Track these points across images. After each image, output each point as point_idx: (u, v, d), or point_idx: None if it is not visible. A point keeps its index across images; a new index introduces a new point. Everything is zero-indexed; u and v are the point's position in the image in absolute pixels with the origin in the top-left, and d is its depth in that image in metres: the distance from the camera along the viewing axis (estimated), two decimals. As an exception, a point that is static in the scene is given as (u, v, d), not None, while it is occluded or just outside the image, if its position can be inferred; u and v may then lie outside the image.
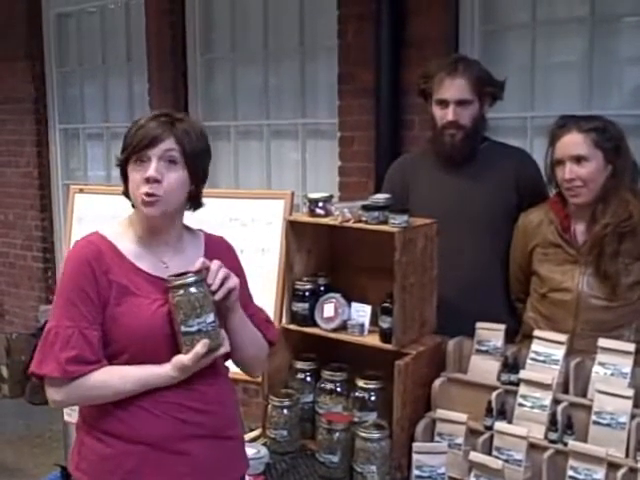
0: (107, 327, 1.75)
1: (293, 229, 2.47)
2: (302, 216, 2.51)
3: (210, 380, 1.83)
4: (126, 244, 1.83)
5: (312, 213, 2.44)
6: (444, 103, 2.63)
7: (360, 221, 2.32)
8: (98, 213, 3.14)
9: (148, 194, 1.75)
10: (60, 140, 6.09)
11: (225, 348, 1.78)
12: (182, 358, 1.73)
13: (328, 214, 2.42)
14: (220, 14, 5.08)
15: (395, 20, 3.87)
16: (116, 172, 5.69)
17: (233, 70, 5.05)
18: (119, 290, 1.76)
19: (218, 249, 1.95)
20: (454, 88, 2.62)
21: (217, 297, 1.76)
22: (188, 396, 1.79)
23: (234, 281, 1.79)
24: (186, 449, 1.78)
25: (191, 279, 1.72)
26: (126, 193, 1.84)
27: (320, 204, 2.42)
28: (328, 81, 4.43)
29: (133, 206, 1.85)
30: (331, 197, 2.47)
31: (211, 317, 1.74)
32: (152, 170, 1.74)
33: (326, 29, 4.38)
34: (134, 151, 1.76)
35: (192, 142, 1.81)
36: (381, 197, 2.34)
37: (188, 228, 1.96)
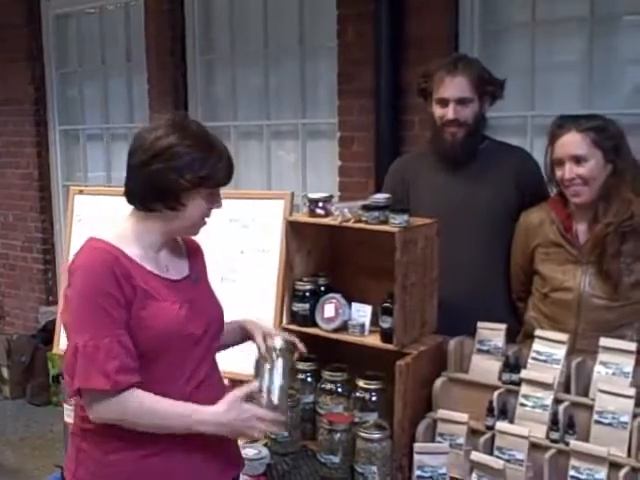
0: (132, 331, 1.75)
1: (293, 229, 2.46)
2: (302, 216, 2.51)
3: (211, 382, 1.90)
4: (132, 249, 1.82)
5: (312, 213, 2.44)
6: (444, 102, 2.63)
7: (360, 221, 2.32)
8: (98, 214, 3.14)
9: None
10: (60, 141, 6.09)
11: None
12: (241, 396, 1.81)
13: (328, 214, 2.41)
14: (219, 15, 5.08)
15: (394, 20, 3.87)
16: (116, 173, 5.70)
17: (233, 71, 5.04)
18: (142, 294, 1.77)
19: (193, 249, 2.03)
20: (454, 86, 2.61)
21: None
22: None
23: None
24: (187, 454, 1.81)
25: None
26: (160, 205, 1.82)
27: (320, 204, 2.42)
28: (328, 81, 4.43)
29: (147, 211, 1.84)
30: (331, 197, 2.47)
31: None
32: (220, 202, 1.90)
33: (325, 29, 4.38)
34: (216, 186, 1.86)
35: None
36: (381, 197, 2.34)
37: None
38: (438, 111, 2.66)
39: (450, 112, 2.61)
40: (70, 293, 1.77)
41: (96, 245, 1.79)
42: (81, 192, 3.32)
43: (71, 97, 6.05)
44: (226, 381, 2.12)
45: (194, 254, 2.02)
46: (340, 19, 4.20)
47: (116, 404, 1.73)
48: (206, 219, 1.89)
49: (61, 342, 2.92)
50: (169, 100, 5.12)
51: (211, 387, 1.89)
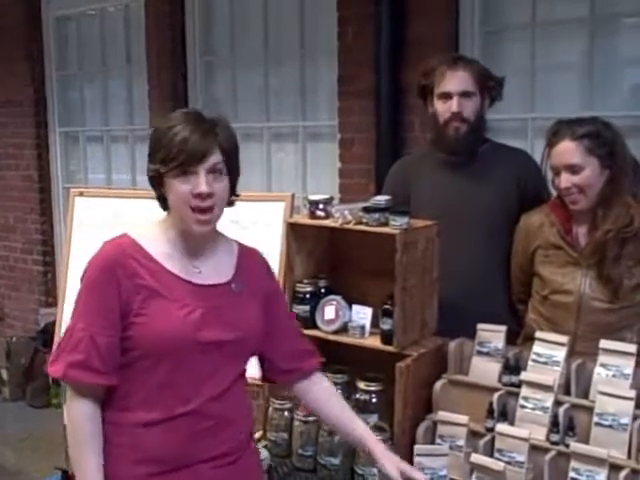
0: (132, 332, 1.72)
1: (293, 231, 2.46)
2: (302, 218, 2.50)
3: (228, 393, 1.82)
4: (156, 246, 1.78)
5: (312, 215, 2.44)
6: (447, 96, 2.63)
7: (361, 223, 2.32)
8: (98, 216, 3.14)
9: (202, 210, 1.72)
10: (60, 143, 6.09)
11: None
12: None
13: (328, 216, 2.41)
14: (220, 16, 5.08)
15: (395, 21, 3.87)
16: (116, 175, 5.70)
17: (233, 72, 5.05)
18: (147, 294, 1.72)
19: (252, 261, 1.93)
20: (457, 80, 2.62)
21: None
22: (202, 415, 1.76)
23: None
24: (197, 471, 1.77)
25: None
26: (161, 198, 1.80)
27: (320, 206, 2.42)
28: (328, 83, 4.42)
29: (164, 209, 1.82)
30: (331, 199, 2.47)
31: None
32: (204, 186, 1.70)
33: (326, 31, 4.38)
34: (184, 165, 1.69)
35: (233, 148, 1.79)
36: (382, 199, 2.34)
37: (220, 233, 1.92)
38: (441, 106, 2.66)
39: (454, 105, 2.61)
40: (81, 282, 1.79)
41: (116, 241, 1.78)
42: (81, 194, 3.32)
43: (71, 99, 6.05)
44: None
45: (249, 265, 1.91)
46: (340, 21, 4.21)
47: (68, 401, 1.75)
48: (193, 203, 1.71)
49: (61, 344, 2.92)
50: (169, 102, 5.11)
51: (219, 412, 1.79)
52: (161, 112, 5.14)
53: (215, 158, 1.72)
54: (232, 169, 1.79)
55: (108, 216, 2.96)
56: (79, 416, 1.73)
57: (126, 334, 1.73)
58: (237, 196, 1.87)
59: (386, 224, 2.26)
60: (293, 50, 4.67)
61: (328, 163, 4.44)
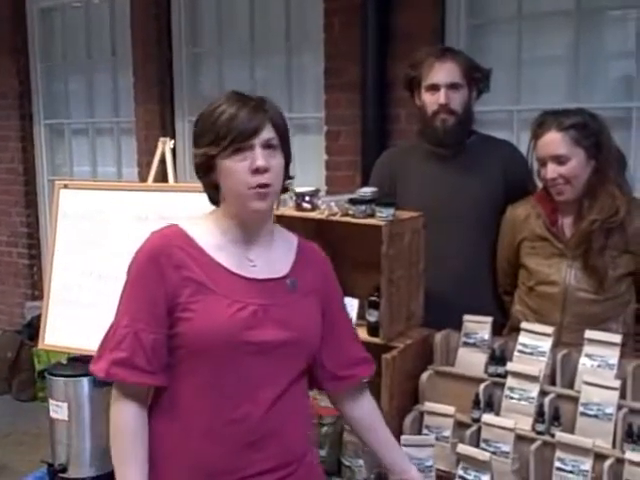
0: (178, 329, 1.60)
1: (280, 223, 2.44)
2: (289, 210, 2.50)
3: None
4: (207, 237, 1.67)
5: (299, 207, 2.43)
6: (435, 87, 2.63)
7: (347, 214, 2.32)
8: (83, 209, 3.12)
9: (261, 185, 1.60)
10: (45, 135, 6.05)
11: None
12: None
13: (315, 208, 2.41)
14: (206, 7, 5.05)
15: (381, 13, 3.87)
16: (102, 168, 5.66)
17: (219, 64, 5.03)
18: (195, 287, 1.60)
19: (311, 258, 1.80)
20: (444, 71, 2.62)
21: None
22: (251, 424, 1.62)
23: None
24: None
25: None
26: (210, 189, 1.70)
27: (307, 198, 2.42)
28: (314, 75, 4.42)
29: (213, 203, 1.72)
30: (318, 191, 2.47)
31: None
32: (261, 159, 1.59)
33: (312, 23, 4.37)
34: (236, 142, 1.58)
35: (284, 125, 1.68)
36: (368, 190, 2.34)
37: (279, 227, 1.82)
38: (428, 98, 2.66)
39: (442, 97, 2.61)
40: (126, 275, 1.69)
41: (163, 231, 1.68)
42: (66, 186, 3.29)
43: (56, 91, 6.01)
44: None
45: (308, 262, 1.78)
46: (327, 13, 4.20)
47: (112, 402, 1.65)
48: (252, 181, 1.59)
49: (46, 337, 2.90)
50: (155, 93, 5.10)
51: (269, 421, 1.64)
52: (147, 104, 5.13)
53: (267, 133, 1.61)
54: (287, 149, 1.68)
55: (93, 209, 2.93)
56: (123, 419, 1.63)
57: (173, 331, 1.61)
58: (291, 178, 1.77)
59: (372, 216, 2.26)
60: (279, 42, 4.65)
61: (314, 155, 4.43)
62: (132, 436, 1.62)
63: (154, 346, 1.60)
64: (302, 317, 1.70)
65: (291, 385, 1.69)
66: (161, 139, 3.57)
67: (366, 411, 1.87)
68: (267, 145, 1.61)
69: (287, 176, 1.72)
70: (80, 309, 2.81)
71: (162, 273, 1.60)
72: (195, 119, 1.70)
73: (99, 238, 2.85)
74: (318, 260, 1.83)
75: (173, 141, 3.65)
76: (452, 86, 2.62)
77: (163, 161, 3.54)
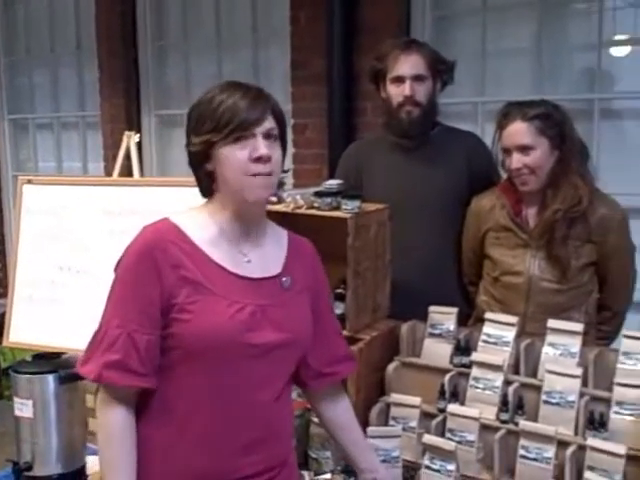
0: (174, 330, 1.54)
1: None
2: (254, 203, 2.49)
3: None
4: (201, 232, 1.61)
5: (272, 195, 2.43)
6: (400, 79, 2.64)
7: (312, 207, 2.32)
8: (48, 204, 3.09)
9: (262, 174, 1.55)
10: (9, 131, 6.00)
11: None
12: None
13: (280, 201, 2.41)
14: (172, 1, 5.02)
15: (347, 6, 3.88)
16: (67, 163, 5.59)
17: (185, 58, 5.01)
18: (192, 287, 1.54)
19: (302, 252, 1.76)
20: (409, 64, 2.63)
21: None
22: (248, 427, 1.60)
23: None
24: None
25: None
26: (204, 179, 1.63)
27: (272, 191, 2.41)
28: (281, 68, 4.41)
29: (205, 195, 1.66)
30: (283, 184, 2.46)
31: None
32: (264, 148, 1.54)
33: (278, 16, 4.37)
34: (238, 129, 1.53)
35: (283, 117, 1.64)
36: (333, 183, 2.34)
37: (270, 222, 1.76)
38: (394, 90, 2.67)
39: (407, 89, 2.62)
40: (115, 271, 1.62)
41: (156, 225, 1.61)
42: (30, 182, 3.25)
43: (20, 85, 5.95)
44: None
45: (299, 257, 1.73)
46: (293, 5, 4.19)
47: (101, 406, 1.58)
48: (252, 170, 1.55)
49: (11, 334, 2.87)
50: (121, 87, 5.07)
51: (266, 424, 1.62)
52: (113, 98, 5.09)
53: (269, 123, 1.57)
54: (283, 140, 1.64)
55: (57, 204, 2.90)
56: (113, 423, 1.56)
57: (167, 331, 1.55)
58: (286, 172, 1.74)
59: (338, 208, 2.27)
60: (246, 35, 4.64)
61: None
62: (122, 441, 1.57)
63: (148, 348, 1.54)
64: (297, 317, 1.67)
65: (285, 387, 1.68)
66: (126, 133, 3.55)
67: (341, 410, 1.85)
68: (268, 135, 1.57)
69: (282, 169, 1.69)
70: (45, 306, 2.79)
71: (158, 272, 1.53)
72: (190, 108, 1.63)
73: (64, 233, 2.82)
74: (308, 255, 1.78)
75: (138, 135, 3.62)
76: (417, 78, 2.63)
77: (129, 155, 3.52)
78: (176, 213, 1.65)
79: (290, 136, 4.24)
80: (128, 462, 1.57)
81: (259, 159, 1.54)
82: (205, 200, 1.68)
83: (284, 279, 1.67)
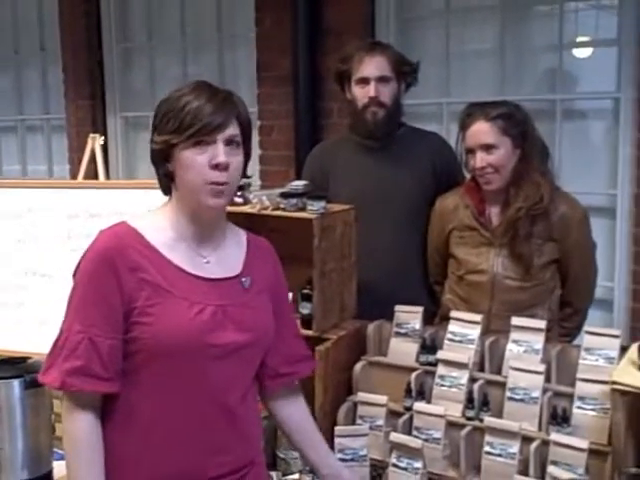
0: (136, 334, 1.53)
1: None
2: (220, 205, 2.49)
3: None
4: (158, 235, 1.59)
5: (231, 201, 2.43)
6: (365, 81, 2.66)
7: (278, 208, 2.33)
8: (11, 208, 3.05)
9: (218, 183, 1.54)
10: (-27, 134, 5.91)
11: None
12: None
13: (247, 202, 2.41)
14: (136, 2, 5.02)
15: (312, 8, 3.91)
16: (32, 166, 5.52)
17: (151, 59, 4.99)
18: (152, 290, 1.53)
19: (261, 252, 1.75)
20: (374, 65, 2.65)
21: None
22: (215, 428, 1.59)
23: None
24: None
25: None
26: (164, 177, 1.61)
27: (238, 192, 2.41)
28: (247, 70, 4.42)
29: (165, 193, 1.64)
30: (249, 185, 2.47)
31: None
32: (222, 156, 1.53)
33: (244, 17, 4.37)
34: (199, 134, 1.52)
35: (249, 122, 1.62)
36: (299, 184, 2.36)
37: (229, 224, 1.74)
38: (359, 92, 2.69)
39: (371, 90, 2.65)
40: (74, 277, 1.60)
41: (113, 229, 1.59)
42: (-9, 185, 3.23)
43: (-18, 88, 5.87)
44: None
45: (258, 257, 1.72)
46: (258, 7, 4.21)
47: (66, 414, 1.56)
48: (210, 177, 1.53)
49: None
50: (86, 89, 5.03)
51: (234, 424, 1.61)
52: (78, 101, 5.05)
53: (233, 129, 1.56)
54: (247, 145, 1.63)
55: (22, 207, 2.87)
56: (79, 430, 1.54)
57: (129, 335, 1.54)
58: (248, 177, 1.73)
59: (304, 209, 2.28)
60: (211, 36, 4.64)
61: (249, 150, 4.42)
62: (89, 447, 1.55)
63: (110, 352, 1.53)
64: (258, 317, 1.66)
65: (250, 387, 1.68)
66: (91, 136, 3.53)
67: (295, 410, 1.84)
68: (230, 141, 1.56)
69: (244, 174, 1.67)
70: (10, 310, 2.75)
71: (117, 276, 1.52)
72: (159, 102, 1.61)
73: (28, 237, 2.79)
74: (267, 255, 1.78)
75: (103, 137, 3.60)
76: (381, 79, 2.65)
77: (95, 158, 3.50)
78: (134, 216, 1.65)
79: (257, 138, 4.26)
80: (96, 469, 1.55)
81: (217, 166, 1.54)
82: (164, 201, 1.67)
83: (244, 279, 1.66)
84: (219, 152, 1.54)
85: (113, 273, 1.52)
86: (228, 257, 1.67)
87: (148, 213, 1.67)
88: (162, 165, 1.60)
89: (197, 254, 1.62)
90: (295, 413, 1.83)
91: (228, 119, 1.55)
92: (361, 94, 2.68)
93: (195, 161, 1.53)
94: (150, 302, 1.53)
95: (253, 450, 1.71)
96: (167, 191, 1.65)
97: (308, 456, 1.83)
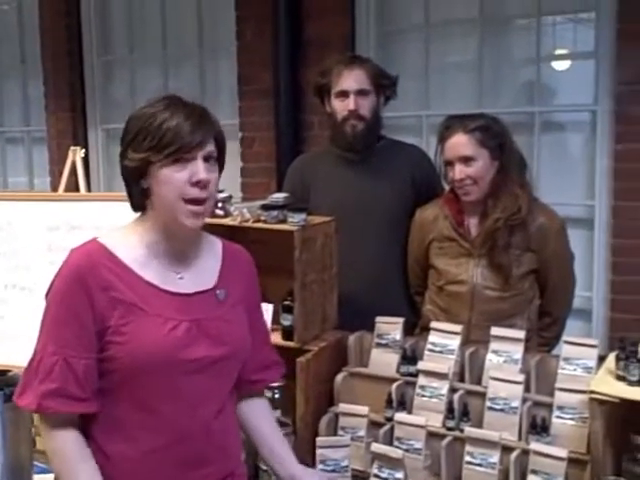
0: (111, 353, 1.52)
1: (193, 230, 2.45)
2: (201, 217, 2.50)
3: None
4: (130, 252, 1.58)
5: (211, 214, 2.43)
6: (344, 94, 2.69)
7: (259, 220, 2.34)
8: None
9: (199, 199, 1.54)
10: (-48, 146, 5.87)
11: None
12: None
13: (227, 214, 2.42)
14: (117, 15, 5.02)
15: (292, 21, 3.93)
16: (14, 178, 5.49)
17: (132, 72, 4.99)
18: (125, 308, 1.53)
19: (237, 261, 1.75)
20: (353, 78, 2.68)
21: None
22: (192, 445, 1.59)
23: None
24: None
25: None
26: (137, 195, 1.60)
27: (219, 205, 2.42)
28: (228, 82, 4.43)
29: (136, 209, 1.63)
30: (230, 197, 2.48)
31: None
32: (203, 173, 1.53)
33: (225, 30, 4.39)
34: (179, 152, 1.51)
35: (224, 139, 1.63)
36: (280, 196, 2.36)
37: (203, 234, 1.72)
38: (338, 105, 2.71)
39: (351, 103, 2.67)
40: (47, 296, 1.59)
41: (85, 247, 1.58)
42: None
43: (-37, 100, 5.84)
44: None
45: (234, 267, 1.72)
46: (239, 20, 4.23)
47: (46, 436, 1.56)
48: (189, 194, 1.53)
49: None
50: (66, 102, 5.02)
51: (211, 440, 1.61)
52: (58, 113, 5.04)
53: (211, 146, 1.57)
54: (222, 162, 1.64)
55: (2, 221, 2.85)
56: (67, 446, 1.54)
57: (104, 354, 1.53)
58: (220, 192, 1.72)
59: (284, 221, 2.29)
60: (192, 49, 4.65)
61: (230, 162, 4.39)
62: (83, 459, 1.54)
63: (86, 372, 1.52)
64: (234, 329, 1.65)
65: (228, 400, 1.68)
66: (71, 148, 3.53)
67: (256, 410, 1.84)
68: (208, 158, 1.56)
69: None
70: (-12, 323, 2.74)
71: (89, 295, 1.52)
72: (128, 118, 1.60)
73: (8, 250, 2.78)
74: (242, 264, 1.77)
75: (84, 150, 3.60)
76: (360, 92, 2.68)
77: (76, 170, 3.49)
78: (105, 233, 1.64)
79: (238, 150, 4.27)
80: (90, 467, 1.54)
81: (198, 183, 1.54)
82: (136, 217, 1.66)
83: (218, 292, 1.66)
84: (199, 169, 1.53)
85: (85, 292, 1.52)
86: (203, 271, 1.66)
87: (119, 229, 1.66)
88: (136, 182, 1.58)
89: (171, 270, 1.62)
90: (254, 411, 1.83)
91: (207, 136, 1.56)
92: (340, 107, 2.70)
93: (174, 178, 1.53)
94: (123, 321, 1.52)
95: (232, 462, 1.72)
96: (138, 208, 1.63)
97: (266, 460, 1.83)
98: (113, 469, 1.56)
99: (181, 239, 1.62)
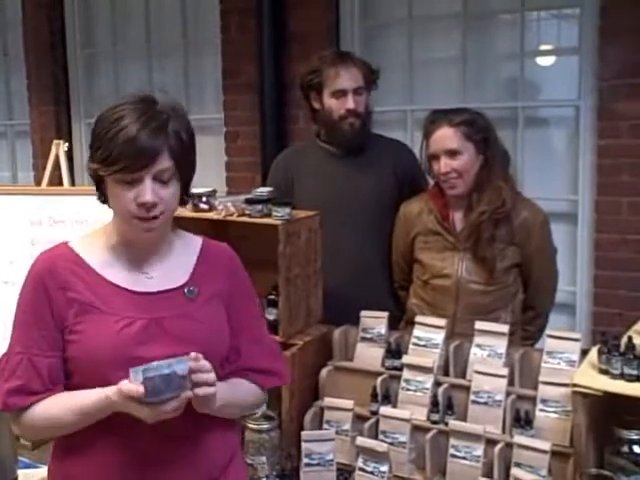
0: (69, 352, 1.53)
1: (177, 225, 2.44)
2: (185, 211, 2.48)
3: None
4: (95, 254, 1.58)
5: (196, 208, 2.43)
6: (342, 93, 2.68)
7: (244, 215, 2.33)
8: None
9: (145, 219, 1.50)
10: None
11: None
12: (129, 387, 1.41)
13: (212, 209, 2.42)
14: (100, 8, 4.98)
15: (277, 15, 3.92)
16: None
17: (115, 65, 4.96)
18: (80, 307, 1.52)
19: (216, 259, 1.69)
20: (350, 77, 2.68)
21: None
22: (153, 454, 1.54)
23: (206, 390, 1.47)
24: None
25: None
26: (103, 198, 1.58)
27: (204, 199, 2.42)
28: (213, 76, 4.42)
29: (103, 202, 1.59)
30: (214, 192, 2.47)
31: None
32: (149, 195, 1.48)
33: (209, 24, 4.37)
34: (125, 171, 1.46)
35: (184, 147, 1.53)
36: (264, 190, 2.36)
37: (181, 233, 1.70)
38: (334, 103, 2.70)
39: (350, 102, 2.67)
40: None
41: (51, 251, 1.60)
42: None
43: (-56, 93, 5.79)
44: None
45: (212, 264, 1.67)
46: (223, 14, 4.21)
47: (18, 424, 1.57)
48: (136, 213, 1.50)
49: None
50: (50, 95, 4.99)
51: (177, 447, 1.55)
52: (42, 107, 5.00)
53: (162, 164, 1.48)
54: (184, 171, 1.55)
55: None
56: (35, 410, 1.53)
57: (65, 355, 1.54)
58: (188, 196, 1.64)
59: (269, 215, 2.29)
60: (176, 43, 4.63)
61: (215, 157, 4.42)
62: (50, 401, 1.53)
63: (50, 369, 1.53)
64: (204, 327, 1.58)
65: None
66: (55, 142, 3.49)
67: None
68: (159, 177, 1.50)
69: (186, 193, 1.61)
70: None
71: (48, 296, 1.54)
72: (97, 118, 1.56)
73: (-8, 244, 2.76)
74: (224, 260, 1.70)
75: (67, 144, 3.57)
76: (357, 90, 2.69)
77: (59, 164, 3.47)
78: (76, 237, 1.65)
79: (223, 144, 4.26)
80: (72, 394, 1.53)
81: (143, 205, 1.49)
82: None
83: (186, 289, 1.61)
84: (145, 191, 1.48)
85: (45, 294, 1.54)
86: (175, 269, 1.63)
87: (91, 232, 1.67)
88: (98, 187, 1.57)
89: (138, 271, 1.60)
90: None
91: (158, 152, 1.48)
92: (337, 105, 2.70)
93: (121, 195, 1.50)
94: (77, 320, 1.53)
95: (219, 461, 1.65)
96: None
97: None
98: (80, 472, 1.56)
99: (140, 246, 1.60)
